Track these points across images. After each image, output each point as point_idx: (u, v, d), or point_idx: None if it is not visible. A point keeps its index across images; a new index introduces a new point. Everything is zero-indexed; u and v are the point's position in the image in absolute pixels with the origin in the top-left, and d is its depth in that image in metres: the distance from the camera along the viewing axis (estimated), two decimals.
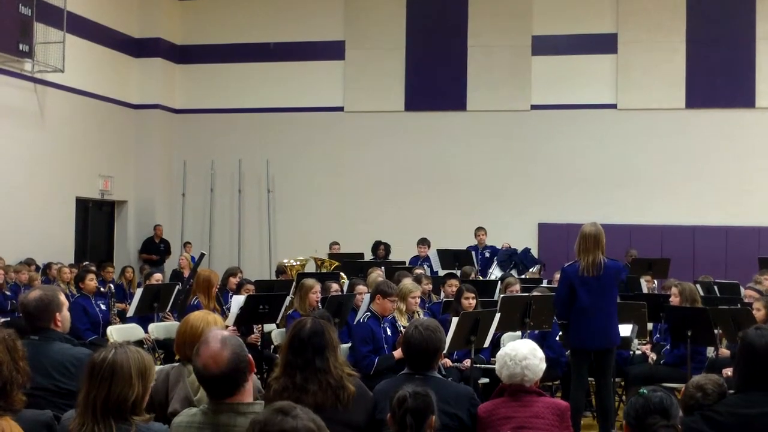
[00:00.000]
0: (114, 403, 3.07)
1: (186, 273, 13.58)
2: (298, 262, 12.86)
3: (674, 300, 7.90)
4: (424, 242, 14.15)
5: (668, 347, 7.93)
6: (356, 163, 17.35)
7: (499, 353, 4.30)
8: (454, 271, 11.43)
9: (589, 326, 6.78)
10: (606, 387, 6.91)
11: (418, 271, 10.91)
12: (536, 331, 7.77)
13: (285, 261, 13.35)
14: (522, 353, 4.17)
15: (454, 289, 9.17)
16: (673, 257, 13.12)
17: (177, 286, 9.68)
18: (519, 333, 7.66)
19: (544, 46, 16.75)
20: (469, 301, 7.83)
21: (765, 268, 10.98)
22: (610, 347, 6.90)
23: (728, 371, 6.54)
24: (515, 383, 4.16)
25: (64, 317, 4.34)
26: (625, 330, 7.50)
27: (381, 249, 14.68)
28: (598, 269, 6.76)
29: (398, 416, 3.48)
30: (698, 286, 9.47)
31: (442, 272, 12.58)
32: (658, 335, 8.60)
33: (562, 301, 6.90)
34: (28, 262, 13.36)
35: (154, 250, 17.04)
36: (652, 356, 8.08)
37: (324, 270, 12.64)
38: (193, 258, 15.35)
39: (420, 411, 3.48)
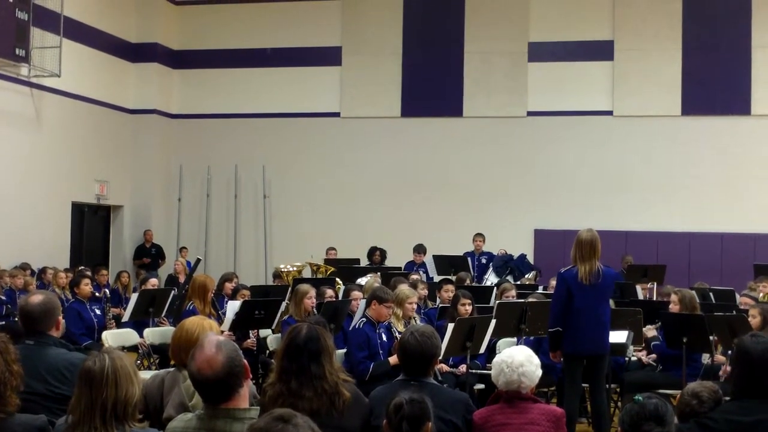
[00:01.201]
0: (122, 406, 3.11)
1: (181, 278, 13.56)
2: (295, 268, 12.85)
3: (674, 307, 7.86)
4: (420, 249, 14.14)
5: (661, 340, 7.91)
6: (353, 169, 17.35)
7: (495, 360, 4.30)
8: (449, 277, 11.42)
9: (582, 332, 6.77)
10: (600, 393, 6.91)
11: (414, 276, 10.90)
12: (531, 338, 7.77)
13: (282, 266, 13.35)
14: (518, 360, 4.17)
15: (451, 294, 9.17)
16: (669, 264, 13.12)
17: (172, 292, 9.68)
18: (515, 339, 7.66)
19: (541, 52, 16.78)
20: (466, 308, 7.82)
21: (760, 275, 10.99)
22: (603, 353, 6.90)
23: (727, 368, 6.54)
24: (512, 390, 4.16)
25: (62, 322, 4.38)
26: (621, 336, 7.50)
27: (377, 255, 14.66)
28: (596, 277, 6.76)
29: (394, 423, 3.48)
30: (693, 292, 9.47)
31: (437, 278, 12.57)
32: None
33: (559, 306, 6.88)
34: (23, 267, 13.32)
35: (146, 255, 17.03)
36: (645, 356, 8.07)
37: (320, 275, 12.63)
38: (188, 263, 15.34)
39: (416, 418, 3.47)
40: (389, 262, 14.36)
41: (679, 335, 7.31)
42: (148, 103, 17.70)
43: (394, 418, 3.48)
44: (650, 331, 8.16)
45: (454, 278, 11.23)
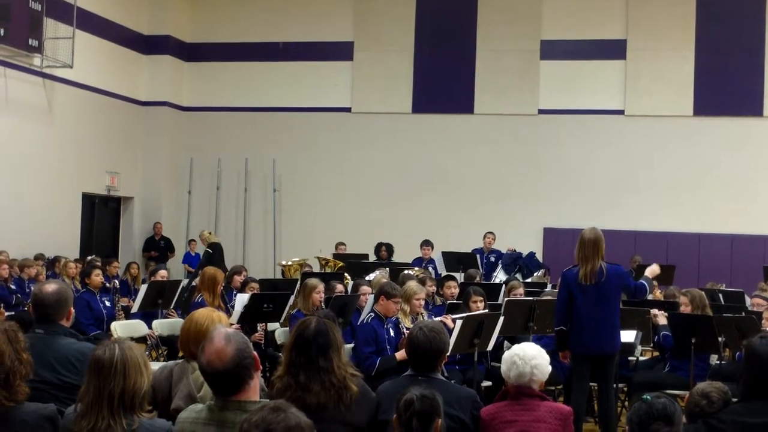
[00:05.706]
0: (129, 396, 3.13)
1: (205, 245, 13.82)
2: (293, 263, 12.90)
3: (685, 309, 7.80)
4: (427, 244, 14.11)
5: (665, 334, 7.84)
6: (362, 164, 17.36)
7: (506, 354, 4.27)
8: (452, 273, 11.40)
9: (586, 332, 6.74)
10: (607, 393, 6.89)
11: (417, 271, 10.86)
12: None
13: (283, 262, 13.41)
14: (530, 353, 4.17)
15: (453, 291, 9.15)
16: (678, 264, 13.09)
17: (182, 283, 9.71)
18: None
19: (553, 50, 16.75)
20: (477, 305, 7.81)
21: None
22: (610, 354, 6.86)
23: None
24: (523, 384, 4.15)
25: (72, 313, 4.41)
26: (629, 336, 7.48)
27: (383, 250, 14.59)
28: (597, 277, 6.71)
29: (404, 419, 3.47)
30: (702, 292, 9.42)
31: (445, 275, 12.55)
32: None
33: (562, 306, 6.87)
34: (37, 257, 13.33)
35: (155, 247, 17.07)
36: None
37: (328, 270, 12.65)
38: (197, 255, 15.39)
39: (427, 414, 3.46)
40: (399, 258, 14.34)
41: (688, 336, 7.29)
42: (160, 96, 17.74)
43: (404, 414, 3.47)
44: (661, 318, 8.07)
45: (457, 275, 11.22)
